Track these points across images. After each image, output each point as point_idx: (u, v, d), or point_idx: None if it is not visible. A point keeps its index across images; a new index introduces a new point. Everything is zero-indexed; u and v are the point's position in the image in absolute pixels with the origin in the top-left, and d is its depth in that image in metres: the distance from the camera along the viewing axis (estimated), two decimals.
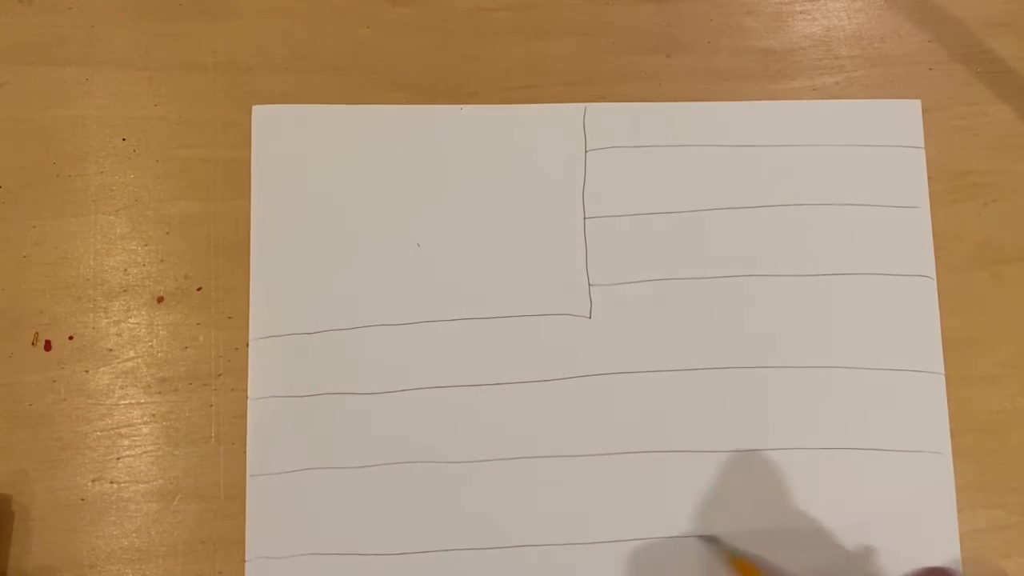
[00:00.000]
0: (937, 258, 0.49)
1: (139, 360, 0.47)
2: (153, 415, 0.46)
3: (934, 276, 0.49)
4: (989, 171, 0.50)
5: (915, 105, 0.51)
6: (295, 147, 0.49)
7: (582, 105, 0.50)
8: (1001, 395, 0.48)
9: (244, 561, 0.45)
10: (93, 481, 0.46)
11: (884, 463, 0.47)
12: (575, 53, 0.51)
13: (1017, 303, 0.49)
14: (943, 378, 0.48)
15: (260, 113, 0.49)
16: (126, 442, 0.46)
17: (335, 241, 0.48)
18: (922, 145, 0.50)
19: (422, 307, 0.47)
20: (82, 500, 0.46)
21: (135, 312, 0.47)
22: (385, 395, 0.47)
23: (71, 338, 0.47)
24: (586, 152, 0.49)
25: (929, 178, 0.50)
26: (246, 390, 0.47)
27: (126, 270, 0.48)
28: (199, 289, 0.48)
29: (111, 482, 0.46)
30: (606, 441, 0.47)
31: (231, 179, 0.49)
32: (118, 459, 0.46)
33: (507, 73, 0.50)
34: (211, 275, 0.48)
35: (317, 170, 0.49)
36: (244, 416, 0.46)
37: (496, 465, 0.46)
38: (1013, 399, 0.48)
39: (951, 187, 0.50)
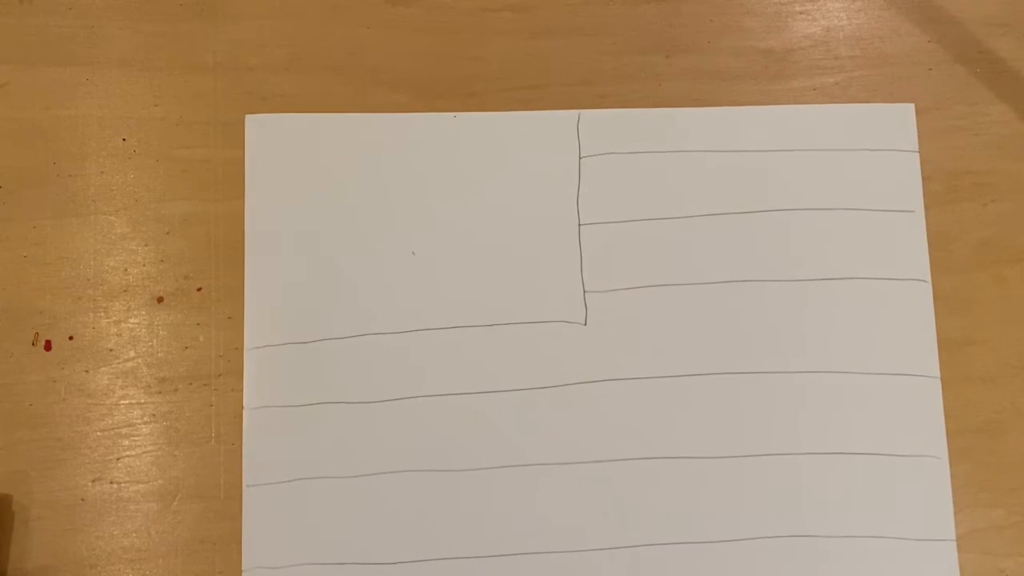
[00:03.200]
0: (936, 259, 0.49)
1: (139, 360, 0.47)
2: (153, 415, 0.46)
3: (929, 280, 0.49)
4: (989, 171, 0.50)
5: (908, 109, 0.51)
6: (288, 155, 0.49)
7: (575, 112, 0.50)
8: (1000, 395, 0.48)
9: (244, 561, 0.45)
10: (93, 481, 0.46)
11: (881, 467, 0.47)
12: (575, 53, 0.51)
13: (1017, 303, 0.49)
14: (939, 382, 0.48)
15: (253, 122, 0.49)
16: (126, 442, 0.46)
17: (329, 249, 0.48)
18: (916, 149, 0.50)
19: (418, 315, 0.47)
20: (82, 500, 0.46)
21: (135, 312, 0.47)
22: (381, 404, 0.47)
23: (71, 338, 0.47)
24: (580, 159, 0.49)
25: (928, 178, 0.50)
26: None
27: (126, 270, 0.48)
28: (199, 289, 0.48)
29: (111, 482, 0.46)
30: (603, 448, 0.47)
31: (231, 179, 0.49)
32: (118, 459, 0.46)
33: (507, 73, 0.50)
34: (211, 275, 0.48)
35: (310, 179, 0.48)
36: (243, 418, 0.46)
37: (492, 473, 0.46)
38: (1012, 399, 0.48)
39: (950, 187, 0.50)
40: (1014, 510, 0.47)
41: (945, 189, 0.50)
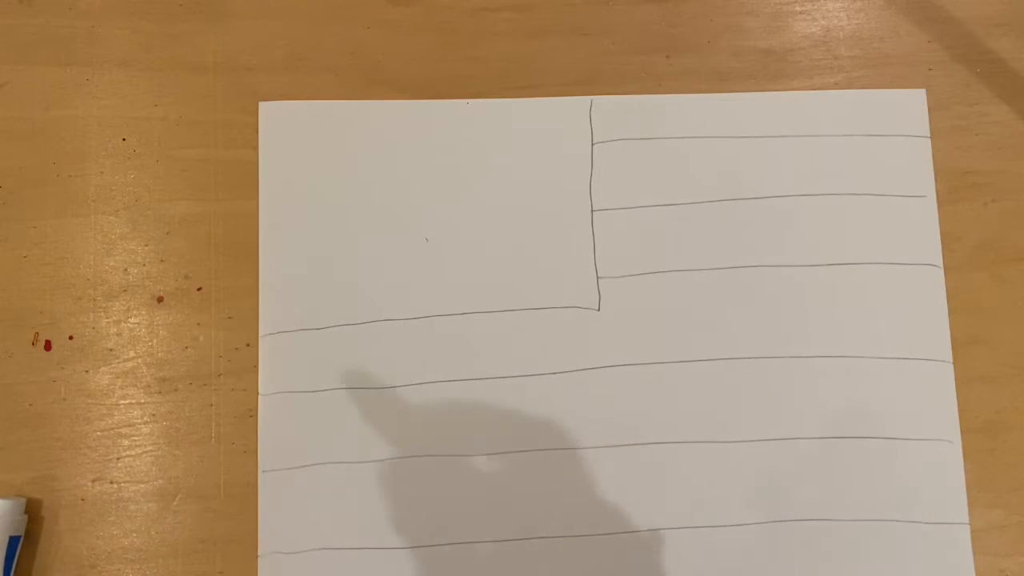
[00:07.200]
0: None
1: (139, 360, 0.47)
2: (153, 415, 0.46)
3: (941, 265, 0.49)
4: (989, 171, 0.50)
5: (920, 95, 0.51)
6: (302, 143, 0.49)
7: (588, 98, 0.50)
8: (1001, 395, 0.48)
9: (244, 560, 0.45)
10: (93, 481, 0.46)
11: (894, 451, 0.47)
12: (575, 53, 0.51)
13: (1017, 303, 0.49)
14: (951, 367, 0.48)
15: (267, 109, 0.49)
16: (126, 442, 0.46)
17: (343, 236, 0.48)
18: (928, 135, 0.50)
19: (431, 301, 0.48)
20: (82, 500, 0.46)
21: (135, 312, 0.47)
22: (395, 389, 0.47)
23: (71, 338, 0.47)
24: (592, 145, 0.49)
25: None
26: (246, 390, 0.47)
27: (126, 270, 0.48)
28: (199, 289, 0.48)
29: (111, 482, 0.46)
30: (616, 433, 0.47)
31: (231, 179, 0.49)
32: (118, 459, 0.46)
33: (507, 73, 0.50)
34: (211, 275, 0.48)
35: (324, 165, 0.49)
36: (244, 415, 0.46)
37: (506, 458, 0.46)
38: (1013, 399, 0.48)
39: (951, 187, 0.50)
40: (1014, 510, 0.47)
41: (945, 189, 0.50)
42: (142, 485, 0.46)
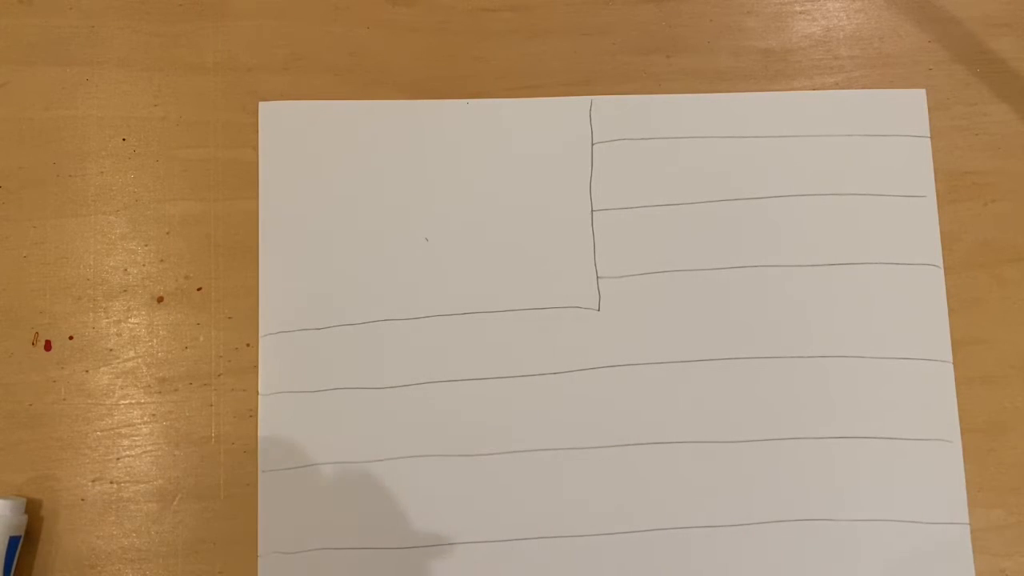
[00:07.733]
0: None
1: (139, 360, 0.47)
2: (153, 415, 0.46)
3: (941, 265, 0.49)
4: (989, 171, 0.50)
5: (920, 95, 0.51)
6: (301, 143, 0.49)
7: (588, 98, 0.50)
8: (1001, 395, 0.48)
9: (244, 561, 0.45)
10: (93, 481, 0.46)
11: (893, 451, 0.47)
12: (575, 53, 0.51)
13: (1017, 303, 0.49)
14: (951, 367, 0.48)
15: (267, 109, 0.49)
16: (126, 442, 0.46)
17: (343, 236, 0.48)
18: (928, 135, 0.50)
19: (431, 301, 0.48)
20: (82, 500, 0.46)
21: (135, 312, 0.47)
22: (394, 389, 0.47)
23: (71, 338, 0.47)
24: (592, 145, 0.49)
25: None
26: (246, 390, 0.47)
27: (126, 270, 0.48)
28: (199, 289, 0.48)
29: (111, 482, 0.46)
30: (616, 433, 0.47)
31: (231, 179, 0.49)
32: (118, 459, 0.46)
33: (507, 73, 0.50)
34: (211, 275, 0.48)
35: (324, 165, 0.49)
36: (244, 415, 0.46)
37: (506, 458, 0.46)
38: (1013, 399, 0.48)
39: (951, 187, 0.50)
40: (1014, 510, 0.47)
41: (945, 189, 0.50)
42: (142, 485, 0.46)
